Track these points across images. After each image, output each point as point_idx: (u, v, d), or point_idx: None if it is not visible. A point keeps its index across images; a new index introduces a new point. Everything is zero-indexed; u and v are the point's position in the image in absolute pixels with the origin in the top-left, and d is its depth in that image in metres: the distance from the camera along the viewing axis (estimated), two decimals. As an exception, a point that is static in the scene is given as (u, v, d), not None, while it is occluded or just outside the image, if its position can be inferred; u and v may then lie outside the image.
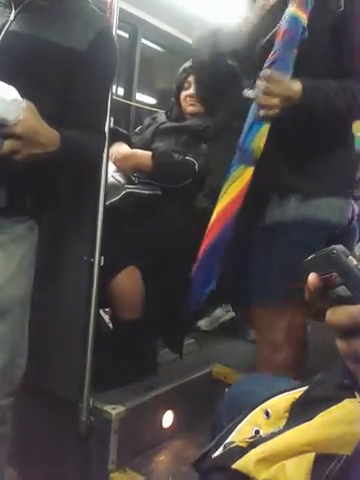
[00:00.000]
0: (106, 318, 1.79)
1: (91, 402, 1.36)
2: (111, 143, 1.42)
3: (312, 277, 0.47)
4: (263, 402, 0.69)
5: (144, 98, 3.20)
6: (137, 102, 3.00)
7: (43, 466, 1.48)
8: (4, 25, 1.08)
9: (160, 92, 3.46)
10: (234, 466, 0.56)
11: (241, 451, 0.59)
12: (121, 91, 2.92)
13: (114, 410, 1.35)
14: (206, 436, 1.59)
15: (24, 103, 0.97)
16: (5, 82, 0.98)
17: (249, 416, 0.67)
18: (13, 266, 1.11)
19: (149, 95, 3.38)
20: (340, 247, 0.46)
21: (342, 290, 0.46)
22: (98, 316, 1.46)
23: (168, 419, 1.55)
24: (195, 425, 1.64)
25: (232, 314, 2.35)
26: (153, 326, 1.64)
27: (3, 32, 1.07)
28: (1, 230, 1.10)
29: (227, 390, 1.69)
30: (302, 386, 0.70)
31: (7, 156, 0.96)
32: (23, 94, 1.02)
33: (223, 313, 2.30)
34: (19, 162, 0.99)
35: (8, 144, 0.95)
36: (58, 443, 1.41)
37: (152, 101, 3.35)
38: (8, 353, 1.12)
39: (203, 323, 2.19)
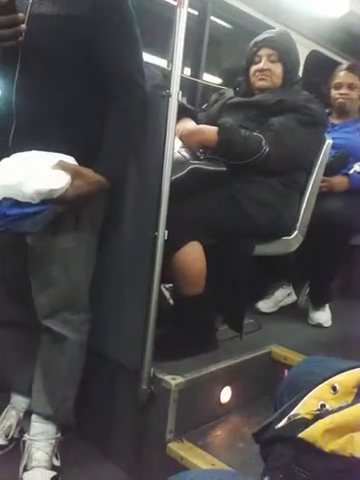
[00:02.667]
0: (167, 294, 1.82)
1: (152, 371, 1.39)
2: (178, 119, 1.41)
3: None
4: (329, 378, 0.67)
5: (210, 78, 3.17)
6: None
7: (102, 430, 1.54)
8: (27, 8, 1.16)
9: (226, 72, 3.41)
10: (300, 435, 0.55)
11: (307, 422, 0.58)
12: (187, 71, 2.90)
13: (174, 380, 1.37)
14: (263, 415, 1.58)
15: (69, 172, 1.14)
16: (36, 66, 1.16)
17: (314, 390, 0.66)
18: (58, 226, 1.25)
19: (215, 75, 3.34)
20: None
21: None
22: (160, 290, 1.48)
23: (226, 395, 1.55)
24: (252, 403, 1.64)
25: (293, 298, 2.32)
26: (214, 303, 1.64)
27: (27, 15, 1.14)
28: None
29: (288, 371, 1.69)
30: (371, 364, 0.67)
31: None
32: (51, 76, 1.17)
33: (284, 296, 2.27)
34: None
35: (61, 210, 1.15)
36: (118, 409, 1.47)
37: (217, 81, 3.31)
38: (64, 290, 1.32)
39: (263, 305, 2.18)
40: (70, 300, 1.34)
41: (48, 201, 1.14)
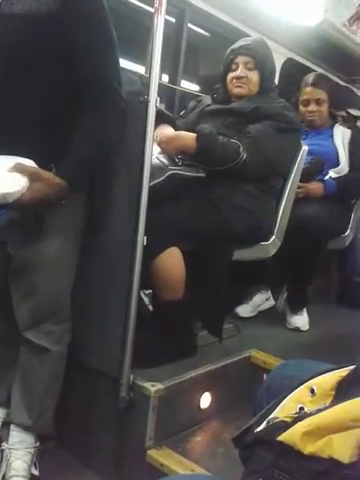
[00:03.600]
0: (146, 300, 1.81)
1: (131, 378, 1.38)
2: (156, 125, 1.41)
3: None
4: (307, 381, 0.68)
5: (187, 85, 3.18)
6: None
7: (81, 439, 1.52)
8: None
9: (204, 79, 3.43)
10: (279, 438, 0.55)
11: (285, 425, 0.58)
12: (165, 77, 2.91)
13: (153, 387, 1.37)
14: (243, 420, 1.58)
15: (27, 174, 1.09)
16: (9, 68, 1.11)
17: (293, 393, 0.67)
18: (47, 229, 1.23)
19: (192, 81, 3.36)
20: None
21: None
22: (139, 296, 1.48)
23: (206, 400, 1.55)
24: (232, 408, 1.65)
25: (271, 302, 2.34)
26: (193, 308, 1.65)
27: None
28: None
29: (267, 375, 1.70)
30: (347, 366, 0.69)
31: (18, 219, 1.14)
32: (21, 78, 1.13)
33: (262, 300, 2.29)
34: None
35: (17, 214, 1.12)
36: (98, 417, 1.45)
37: (195, 88, 3.33)
38: (47, 299, 1.30)
39: (242, 310, 2.19)
40: (52, 310, 1.32)
41: (2, 206, 1.09)
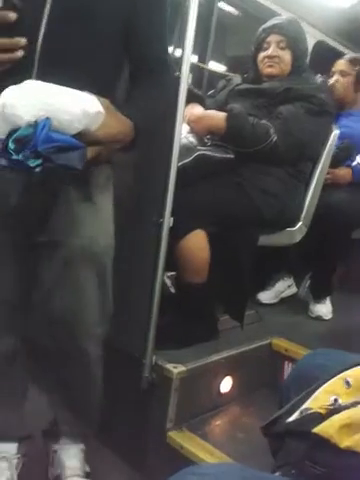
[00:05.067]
0: (168, 282, 1.80)
1: (154, 359, 1.38)
2: (186, 104, 1.38)
3: None
4: (341, 372, 0.66)
5: (214, 65, 3.12)
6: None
7: (102, 419, 1.53)
8: None
9: (231, 59, 3.36)
10: (315, 430, 0.53)
11: (320, 417, 0.56)
12: (194, 57, 2.86)
13: (176, 368, 1.37)
14: (263, 406, 1.60)
15: (103, 106, 0.93)
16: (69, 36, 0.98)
17: (326, 385, 0.65)
18: (103, 217, 1.13)
19: (220, 62, 3.29)
20: None
21: None
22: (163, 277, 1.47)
23: (226, 385, 1.55)
24: (252, 394, 1.64)
25: (294, 290, 2.31)
26: (216, 292, 1.63)
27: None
28: (88, 182, 1.10)
29: (288, 363, 1.69)
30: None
31: (91, 161, 0.94)
32: (87, 55, 1.01)
33: (285, 287, 2.26)
34: (101, 161, 0.99)
35: (91, 151, 0.93)
36: (119, 398, 1.45)
37: (222, 68, 3.26)
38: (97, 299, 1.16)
39: (264, 296, 2.16)
40: (101, 312, 1.17)
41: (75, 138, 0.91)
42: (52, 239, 1.08)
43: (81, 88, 0.96)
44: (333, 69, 2.28)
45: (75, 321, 1.14)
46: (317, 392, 0.63)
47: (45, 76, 0.95)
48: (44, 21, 0.99)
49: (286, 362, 1.68)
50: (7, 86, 0.87)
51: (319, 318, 2.04)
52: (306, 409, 0.61)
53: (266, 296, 2.16)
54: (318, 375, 0.72)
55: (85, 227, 1.10)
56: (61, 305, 1.13)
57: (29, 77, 0.97)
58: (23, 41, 0.95)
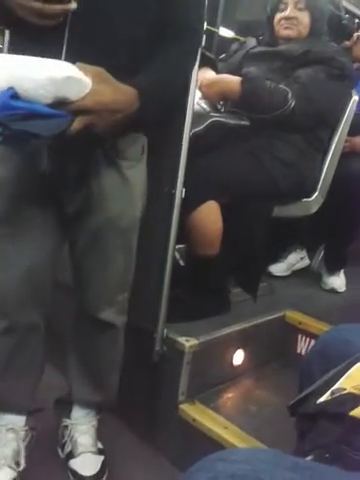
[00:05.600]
0: (177, 255, 1.76)
1: (165, 332, 1.36)
2: (198, 68, 1.30)
3: None
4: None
5: (224, 31, 3.01)
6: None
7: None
8: None
9: (241, 24, 3.23)
10: (352, 413, 0.50)
11: (356, 398, 0.53)
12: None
13: (188, 342, 1.34)
14: (275, 379, 1.58)
15: (89, 74, 0.88)
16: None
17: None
18: (131, 190, 1.11)
19: (229, 28, 3.16)
20: None
21: None
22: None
23: (239, 357, 1.53)
24: (264, 367, 1.62)
25: (306, 262, 2.27)
26: (228, 264, 1.59)
27: None
28: (120, 155, 1.07)
29: (302, 336, 1.66)
30: None
31: (85, 131, 0.89)
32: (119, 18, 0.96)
33: (297, 259, 2.22)
34: (102, 133, 0.94)
35: (79, 120, 0.88)
36: (131, 369, 1.43)
37: (230, 34, 3.14)
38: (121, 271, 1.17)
39: (276, 269, 2.13)
40: (123, 281, 1.18)
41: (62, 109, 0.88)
42: (81, 210, 1.08)
43: (112, 57, 0.94)
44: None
45: (100, 287, 1.15)
46: (350, 371, 0.59)
47: (76, 42, 0.94)
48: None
49: (300, 335, 1.66)
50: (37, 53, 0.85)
51: (333, 290, 2.01)
52: (339, 389, 0.57)
53: (278, 268, 2.12)
54: (346, 351, 0.68)
55: (113, 201, 1.08)
56: (89, 274, 1.15)
57: (61, 43, 0.94)
58: None
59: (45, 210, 1.09)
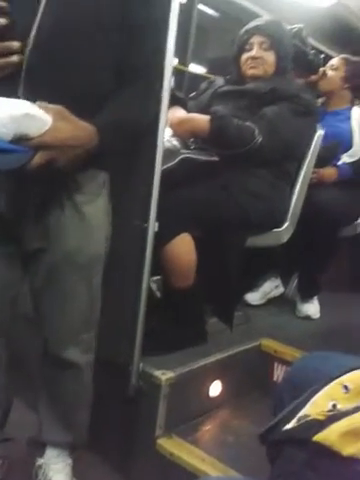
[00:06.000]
0: (154, 286, 1.78)
1: (141, 366, 1.36)
2: (168, 107, 1.36)
3: None
4: (338, 377, 0.65)
5: (195, 67, 3.11)
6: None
7: (90, 427, 1.50)
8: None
9: (212, 61, 3.35)
10: (315, 438, 0.52)
11: (319, 424, 0.55)
12: (174, 60, 2.84)
13: (164, 375, 1.34)
14: (253, 409, 1.59)
15: (50, 112, 0.94)
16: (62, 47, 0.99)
17: (324, 390, 0.63)
18: (88, 226, 1.11)
19: (201, 64, 3.28)
20: None
21: None
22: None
23: (216, 388, 1.53)
24: (242, 397, 1.63)
25: (281, 290, 2.30)
26: (204, 295, 1.61)
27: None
28: (79, 190, 1.09)
29: (278, 364, 1.67)
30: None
31: (46, 166, 0.94)
32: (76, 62, 1.02)
33: (272, 288, 2.25)
34: (62, 168, 0.98)
35: (39, 156, 0.92)
36: (107, 405, 1.42)
37: (202, 70, 3.25)
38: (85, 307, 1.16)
39: (251, 297, 2.15)
40: (87, 318, 1.17)
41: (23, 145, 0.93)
42: (39, 246, 1.08)
43: (66, 99, 0.98)
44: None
45: (62, 325, 1.14)
46: (315, 397, 0.61)
47: (32, 86, 0.97)
48: (34, 31, 0.99)
49: (276, 363, 1.67)
50: None
51: (307, 318, 2.05)
52: (304, 416, 0.59)
53: (253, 297, 2.15)
54: (313, 379, 0.70)
55: (70, 236, 1.09)
56: (48, 311, 1.14)
57: (16, 86, 0.98)
58: (16, 45, 0.95)
59: (4, 247, 1.09)
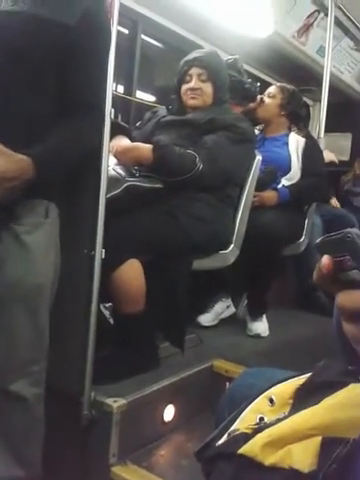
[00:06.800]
0: (106, 313, 1.79)
1: (92, 395, 1.35)
2: (112, 136, 1.41)
3: (325, 259, 0.46)
4: (266, 390, 0.69)
5: (143, 96, 3.19)
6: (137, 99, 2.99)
7: (44, 457, 1.47)
8: None
9: (159, 90, 3.45)
10: (240, 451, 0.55)
11: (246, 437, 0.58)
12: (120, 88, 2.91)
13: (115, 403, 1.35)
14: (207, 430, 1.58)
15: None
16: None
17: (253, 404, 0.67)
18: (29, 256, 1.11)
19: (148, 92, 3.37)
20: (355, 231, 0.46)
21: (356, 273, 0.45)
22: (99, 310, 1.45)
23: (169, 413, 1.54)
24: (196, 419, 1.64)
25: (232, 310, 2.36)
26: (154, 320, 1.63)
27: None
28: (17, 221, 1.10)
29: (229, 384, 1.71)
30: (305, 373, 0.69)
31: None
32: (16, 78, 1.04)
33: (223, 308, 2.30)
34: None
35: None
36: (59, 436, 1.41)
37: (151, 99, 3.34)
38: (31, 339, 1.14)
39: (204, 319, 2.19)
40: (35, 348, 1.16)
41: None
42: None
43: (7, 129, 1.01)
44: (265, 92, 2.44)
45: (7, 356, 1.13)
46: (244, 412, 0.65)
47: None
48: None
49: (227, 383, 1.70)
50: None
51: (257, 336, 2.10)
52: (233, 430, 0.62)
53: (206, 318, 2.19)
54: (249, 394, 0.73)
55: (10, 267, 1.10)
56: None
57: None
58: None
59: None
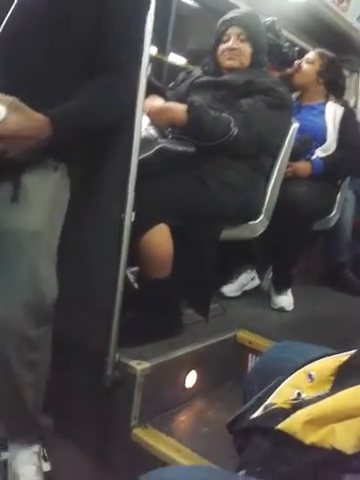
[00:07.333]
0: (131, 277, 1.78)
1: (117, 357, 1.36)
2: (146, 96, 1.36)
3: None
4: (303, 366, 0.66)
5: (175, 58, 3.10)
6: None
7: (66, 417, 1.50)
8: None
9: (192, 52, 3.34)
10: (279, 427, 0.53)
11: (284, 413, 0.56)
12: (153, 50, 2.82)
13: (139, 365, 1.35)
14: (227, 399, 1.61)
15: (5, 104, 0.95)
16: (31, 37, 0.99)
17: (290, 378, 0.64)
18: (30, 203, 1.10)
19: (180, 54, 3.27)
20: None
21: None
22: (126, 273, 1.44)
23: (191, 379, 1.54)
24: (216, 387, 1.64)
25: (257, 282, 2.33)
26: (180, 287, 1.62)
27: None
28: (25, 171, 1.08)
29: (252, 355, 1.70)
30: (345, 351, 0.67)
31: None
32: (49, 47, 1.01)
33: (248, 280, 2.28)
34: (15, 158, 0.99)
35: None
36: (82, 396, 1.43)
37: (183, 61, 3.24)
38: (28, 285, 1.11)
39: (227, 289, 2.17)
40: (30, 302, 1.11)
41: None
42: None
43: (27, 89, 0.99)
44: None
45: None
46: (280, 386, 0.63)
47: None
48: (4, 21, 1.00)
49: (250, 354, 1.70)
50: None
51: (281, 310, 2.07)
52: (270, 404, 0.60)
53: (229, 289, 2.17)
54: (281, 368, 0.72)
55: (9, 219, 1.09)
56: None
57: None
58: None
59: None
